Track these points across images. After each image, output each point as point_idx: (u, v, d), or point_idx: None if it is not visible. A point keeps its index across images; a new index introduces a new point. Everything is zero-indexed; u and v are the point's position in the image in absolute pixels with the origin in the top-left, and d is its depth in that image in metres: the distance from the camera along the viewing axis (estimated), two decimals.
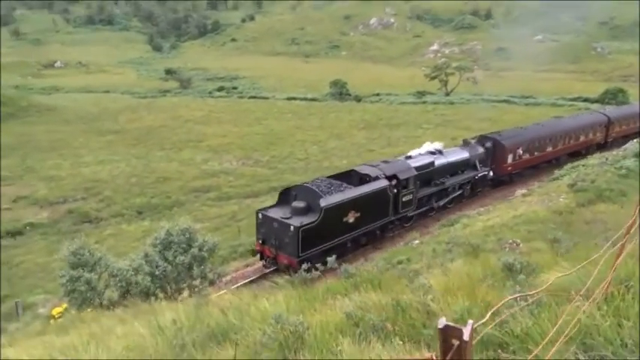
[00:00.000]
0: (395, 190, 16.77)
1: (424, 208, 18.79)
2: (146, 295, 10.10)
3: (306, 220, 14.33)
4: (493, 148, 21.88)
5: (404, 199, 17.30)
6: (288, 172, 28.80)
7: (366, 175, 16.60)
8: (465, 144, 21.58)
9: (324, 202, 14.51)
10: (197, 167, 29.65)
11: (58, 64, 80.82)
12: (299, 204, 14.91)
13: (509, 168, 22.73)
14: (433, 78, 51.30)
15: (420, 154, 19.26)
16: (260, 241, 15.05)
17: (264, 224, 14.93)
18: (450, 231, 15.22)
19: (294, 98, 51.81)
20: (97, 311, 8.95)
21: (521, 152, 23.05)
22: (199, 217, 21.88)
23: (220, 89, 57.97)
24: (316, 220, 14.32)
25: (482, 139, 22.28)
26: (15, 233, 21.53)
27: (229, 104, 49.55)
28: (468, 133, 27.28)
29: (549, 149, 24.80)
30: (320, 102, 49.70)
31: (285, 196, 15.67)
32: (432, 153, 19.61)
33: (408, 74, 68.11)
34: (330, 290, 5.08)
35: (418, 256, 11.93)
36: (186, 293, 10.62)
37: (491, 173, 21.73)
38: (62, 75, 73.44)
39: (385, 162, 18.14)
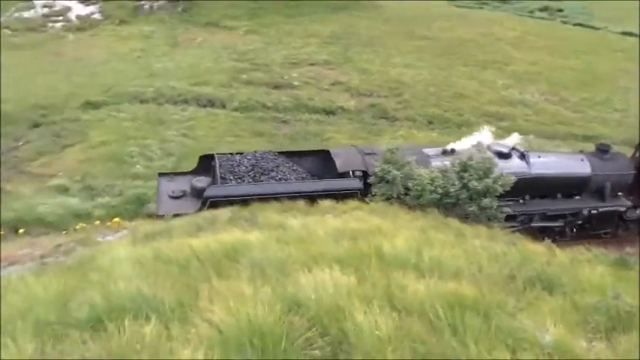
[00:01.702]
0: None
1: None
2: (433, 205, 11.00)
3: None
4: None
5: None
6: (597, 121, 25.44)
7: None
8: (602, 151, 14.15)
9: None
10: (496, 91, 28.69)
11: None
12: None
13: None
14: None
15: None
16: None
17: None
18: None
19: (630, 34, 43.35)
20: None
21: None
22: None
23: (544, 9, 52.29)
24: None
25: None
26: (329, 112, 25.37)
27: (549, 28, 44.70)
28: None
29: None
30: None
31: None
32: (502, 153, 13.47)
33: None
34: None
35: None
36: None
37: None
38: None
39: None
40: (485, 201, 10.77)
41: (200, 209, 11.77)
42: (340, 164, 13.11)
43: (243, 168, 13.47)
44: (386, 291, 3.67)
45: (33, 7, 35.74)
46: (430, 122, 25.34)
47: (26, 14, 34.95)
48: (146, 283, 3.88)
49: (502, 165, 12.43)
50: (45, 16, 35.18)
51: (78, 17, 35.74)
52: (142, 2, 38.03)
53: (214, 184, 12.58)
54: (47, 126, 22.21)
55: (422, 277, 3.98)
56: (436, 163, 12.89)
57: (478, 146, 13.16)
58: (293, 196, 11.62)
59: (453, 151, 13.52)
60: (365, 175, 12.72)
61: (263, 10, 40.30)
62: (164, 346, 2.95)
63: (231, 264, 4.44)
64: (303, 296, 3.45)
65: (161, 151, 20.07)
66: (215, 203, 11.69)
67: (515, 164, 13.11)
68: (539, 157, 13.75)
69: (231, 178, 12.97)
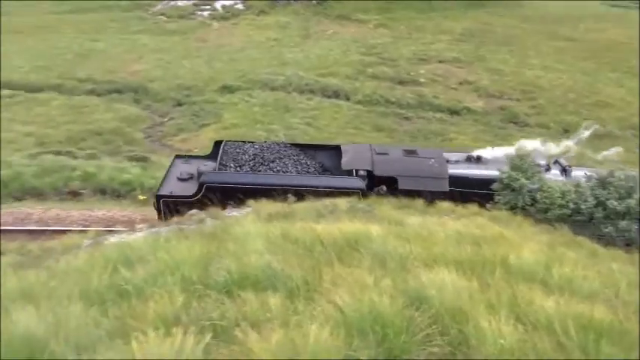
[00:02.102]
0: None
1: None
2: (562, 221, 10.21)
3: None
4: None
5: None
6: None
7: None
8: None
9: None
10: None
11: None
12: None
13: None
14: None
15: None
16: None
17: None
18: None
19: None
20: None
21: None
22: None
23: None
24: None
25: None
26: (454, 112, 24.59)
27: None
28: None
29: None
30: None
31: None
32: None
33: None
34: None
35: None
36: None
37: None
38: None
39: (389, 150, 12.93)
40: (624, 223, 9.74)
41: (196, 194, 11.62)
42: (345, 161, 12.48)
43: (246, 157, 13.06)
44: (511, 302, 3.56)
45: None
46: (566, 131, 23.36)
47: (180, 2, 38.55)
48: (275, 258, 4.18)
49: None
50: (195, 4, 38.53)
51: (223, 7, 38.60)
52: None
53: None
54: (189, 105, 24.43)
55: (550, 294, 3.79)
56: (459, 170, 12.00)
57: (519, 152, 11.59)
58: (287, 190, 10.90)
59: (479, 158, 12.53)
60: (370, 175, 12.02)
61: (395, 5, 40.06)
62: (291, 318, 3.18)
63: (353, 252, 4.59)
64: (424, 293, 3.48)
65: (285, 137, 21.08)
66: (212, 189, 11.43)
67: (554, 178, 11.39)
68: (586, 173, 11.68)
69: (232, 165, 12.66)
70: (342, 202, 8.69)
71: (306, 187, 11.51)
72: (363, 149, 13.12)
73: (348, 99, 25.22)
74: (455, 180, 11.94)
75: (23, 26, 33.29)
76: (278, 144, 13.80)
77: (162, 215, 12.13)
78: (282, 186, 11.50)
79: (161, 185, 12.61)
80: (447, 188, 11.76)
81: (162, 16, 37.16)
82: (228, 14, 37.96)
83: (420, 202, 10.52)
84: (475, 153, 12.76)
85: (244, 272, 3.94)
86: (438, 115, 24.05)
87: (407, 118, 23.76)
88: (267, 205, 10.20)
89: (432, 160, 12.25)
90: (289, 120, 22.65)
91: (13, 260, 8.98)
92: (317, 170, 12.95)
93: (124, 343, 2.87)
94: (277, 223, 6.20)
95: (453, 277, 3.82)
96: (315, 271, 4.06)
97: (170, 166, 13.42)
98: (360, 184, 11.81)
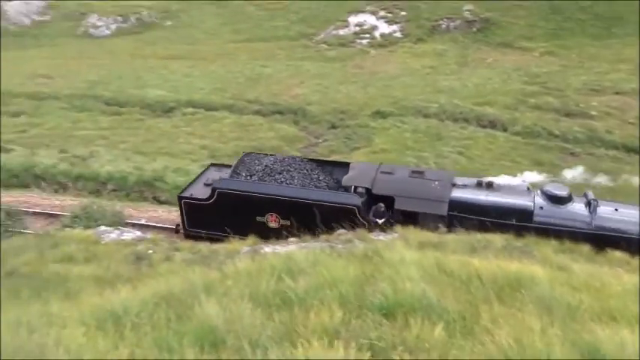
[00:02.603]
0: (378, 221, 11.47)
1: None
2: None
3: None
4: None
5: None
6: None
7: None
8: None
9: None
10: None
11: None
12: None
13: None
14: None
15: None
16: None
17: None
18: None
19: None
20: None
21: None
22: None
23: None
24: None
25: None
26: (630, 149, 21.83)
27: None
28: None
29: None
30: None
31: None
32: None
33: None
34: None
35: None
36: None
37: None
38: None
39: (386, 171, 12.56)
40: None
41: (209, 198, 12.56)
42: (347, 178, 12.51)
43: (259, 167, 13.47)
44: None
45: (347, 25, 41.30)
46: None
47: (341, 31, 40.65)
48: (430, 288, 4.15)
49: (553, 210, 10.81)
50: (355, 33, 40.27)
51: (381, 35, 39.72)
52: (440, 22, 39.73)
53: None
54: (342, 129, 25.46)
55: None
56: (465, 194, 11.51)
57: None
58: (285, 201, 11.72)
59: (490, 184, 11.87)
60: (369, 193, 11.85)
61: (565, 31, 37.17)
62: (450, 350, 3.13)
63: (514, 293, 4.35)
64: (600, 349, 3.15)
65: (435, 165, 20.72)
66: (223, 195, 12.45)
67: (573, 212, 10.84)
68: (617, 209, 10.76)
69: (243, 174, 13.20)
70: (497, 239, 8.27)
71: (302, 199, 12.02)
72: (369, 168, 13.10)
73: (505, 130, 23.96)
74: (457, 205, 11.37)
75: (208, 54, 38.11)
76: (294, 158, 14.40)
77: (182, 215, 13.41)
78: (279, 196, 12.21)
79: (186, 188, 13.85)
80: (445, 212, 11.31)
81: (324, 45, 39.51)
82: (386, 42, 38.90)
83: (585, 248, 9.56)
84: (487, 179, 12.14)
85: (399, 297, 3.98)
86: (611, 152, 21.56)
87: (573, 154, 21.71)
88: (415, 233, 10.16)
89: (436, 183, 11.91)
90: (440, 148, 22.26)
91: (187, 257, 10.26)
92: (328, 185, 13.04)
93: (291, 347, 3.10)
94: (430, 253, 6.14)
95: (635, 338, 3.39)
96: (473, 307, 3.93)
97: (202, 172, 14.63)
98: (357, 200, 11.75)
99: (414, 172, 12.80)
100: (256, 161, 14.00)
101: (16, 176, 19.12)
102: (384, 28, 40.53)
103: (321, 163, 14.31)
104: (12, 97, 28.22)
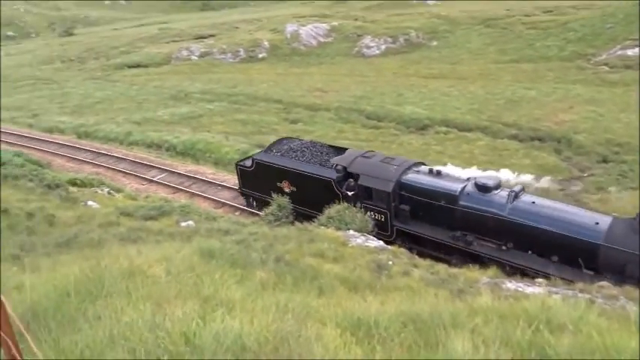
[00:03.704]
0: (348, 193, 14.47)
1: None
2: None
3: None
4: None
5: (370, 214, 13.85)
6: None
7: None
8: None
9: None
10: None
11: None
12: None
13: None
14: None
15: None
16: None
17: None
18: None
19: None
20: None
21: None
22: None
23: None
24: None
25: None
26: None
27: None
28: None
29: None
30: None
31: None
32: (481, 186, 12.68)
33: None
34: None
35: None
36: None
37: None
38: None
39: (368, 156, 15.16)
40: None
41: (251, 166, 17.10)
42: (335, 159, 15.40)
43: (285, 147, 16.89)
44: None
45: (638, 44, 35.38)
46: None
47: (630, 52, 35.04)
48: None
49: (477, 197, 12.58)
50: None
51: None
52: None
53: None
54: (616, 164, 21.88)
55: None
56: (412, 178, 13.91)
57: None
58: (291, 172, 15.65)
59: (438, 172, 13.87)
60: (345, 171, 14.65)
61: None
62: None
63: None
64: None
65: None
66: (257, 163, 16.88)
67: (493, 201, 12.40)
68: (534, 202, 12.18)
69: (274, 151, 16.95)
70: None
71: (299, 170, 15.60)
72: (355, 152, 15.63)
73: None
74: (403, 185, 13.76)
75: (469, 74, 37.70)
76: (315, 142, 17.66)
77: (238, 178, 18.04)
78: (288, 168, 15.89)
79: (246, 158, 18.31)
80: (389, 189, 13.67)
81: (604, 66, 34.73)
82: None
83: None
84: (436, 168, 14.12)
85: None
86: None
87: None
88: None
89: (395, 167, 14.12)
90: None
91: (424, 276, 10.22)
92: (328, 164, 15.55)
93: None
94: None
95: None
96: None
97: (273, 143, 18.00)
98: (334, 175, 14.82)
99: (385, 158, 15.07)
100: (286, 143, 17.43)
101: None
102: None
103: (335, 148, 17.17)
104: (293, 107, 33.12)
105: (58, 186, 15.49)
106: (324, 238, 11.48)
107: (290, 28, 52.95)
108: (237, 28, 60.99)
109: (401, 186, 13.84)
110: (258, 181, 16.96)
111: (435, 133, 27.07)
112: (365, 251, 11.71)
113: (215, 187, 20.81)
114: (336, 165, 15.09)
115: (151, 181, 22.17)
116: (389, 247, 12.86)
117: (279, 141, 17.83)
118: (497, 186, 12.80)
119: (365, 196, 14.27)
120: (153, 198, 19.11)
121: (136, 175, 22.78)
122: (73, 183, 18.38)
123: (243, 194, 18.28)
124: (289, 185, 16.06)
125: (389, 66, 42.99)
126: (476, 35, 45.54)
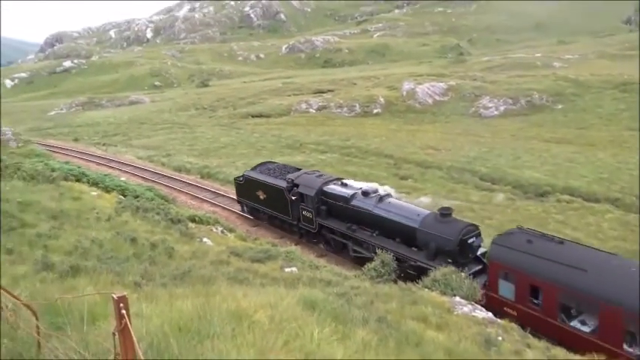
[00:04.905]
0: (292, 198, 19.90)
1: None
2: None
3: None
4: None
5: (304, 213, 19.68)
6: None
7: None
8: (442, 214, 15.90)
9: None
10: None
11: None
12: None
13: None
14: None
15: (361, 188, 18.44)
16: None
17: None
18: None
19: None
20: None
21: None
22: None
23: None
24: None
25: None
26: None
27: None
28: None
29: None
30: None
31: None
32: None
33: None
34: None
35: None
36: None
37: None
38: None
39: (311, 173, 20.72)
40: None
41: (242, 180, 23.21)
42: (289, 175, 20.81)
43: (265, 167, 23.00)
44: None
45: None
46: None
47: None
48: None
49: (361, 199, 17.73)
50: None
51: None
52: None
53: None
54: None
55: None
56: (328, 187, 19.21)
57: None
58: (261, 183, 21.84)
59: (344, 184, 19.24)
60: (293, 182, 20.07)
61: None
62: None
63: None
64: None
65: None
66: (246, 179, 22.99)
67: (368, 202, 17.43)
68: (390, 202, 17.23)
69: (257, 170, 22.92)
70: None
71: (266, 182, 21.33)
72: (307, 171, 21.31)
73: None
74: (322, 192, 19.11)
75: (598, 140, 34.90)
76: (286, 165, 23.51)
77: (236, 191, 24.20)
78: (260, 180, 21.70)
79: (241, 175, 23.82)
80: (313, 194, 19.05)
81: None
82: None
83: None
84: (346, 180, 19.75)
85: None
86: None
87: None
88: None
89: (321, 180, 19.54)
90: None
91: None
92: (283, 178, 20.98)
93: None
94: None
95: None
96: None
97: (259, 165, 24.13)
98: (284, 184, 20.37)
99: (321, 175, 20.34)
100: (267, 165, 23.44)
101: None
102: None
103: (298, 169, 22.20)
104: (404, 163, 32.96)
105: (179, 221, 16.70)
106: (428, 302, 10.96)
107: (407, 85, 53.68)
108: (354, 84, 63.28)
109: (321, 192, 19.06)
110: (246, 192, 22.89)
111: (556, 201, 25.10)
112: (472, 322, 10.92)
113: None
114: (288, 178, 20.39)
115: (260, 225, 23.18)
116: (498, 320, 11.87)
117: (263, 163, 23.99)
118: (375, 192, 17.82)
119: (300, 200, 19.62)
120: (261, 241, 19.85)
121: (248, 219, 23.94)
122: (193, 219, 19.76)
123: (238, 202, 24.21)
124: (262, 193, 21.70)
125: (507, 127, 41.38)
126: (609, 99, 42.38)
